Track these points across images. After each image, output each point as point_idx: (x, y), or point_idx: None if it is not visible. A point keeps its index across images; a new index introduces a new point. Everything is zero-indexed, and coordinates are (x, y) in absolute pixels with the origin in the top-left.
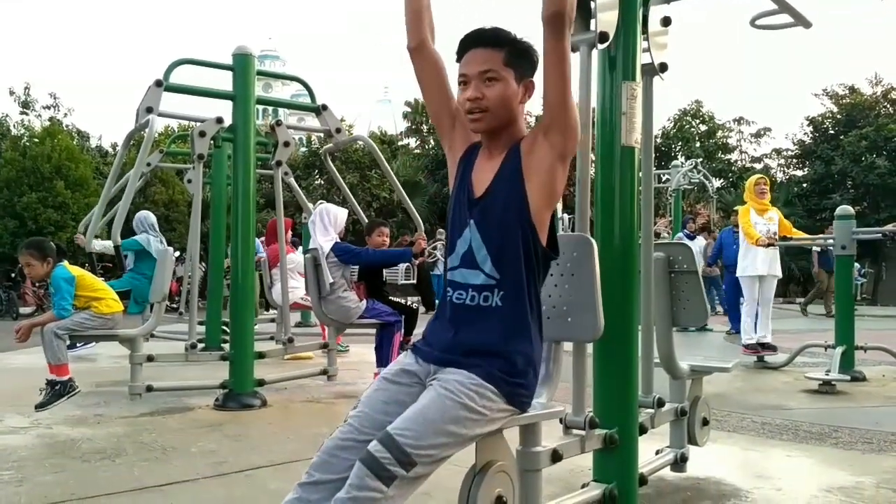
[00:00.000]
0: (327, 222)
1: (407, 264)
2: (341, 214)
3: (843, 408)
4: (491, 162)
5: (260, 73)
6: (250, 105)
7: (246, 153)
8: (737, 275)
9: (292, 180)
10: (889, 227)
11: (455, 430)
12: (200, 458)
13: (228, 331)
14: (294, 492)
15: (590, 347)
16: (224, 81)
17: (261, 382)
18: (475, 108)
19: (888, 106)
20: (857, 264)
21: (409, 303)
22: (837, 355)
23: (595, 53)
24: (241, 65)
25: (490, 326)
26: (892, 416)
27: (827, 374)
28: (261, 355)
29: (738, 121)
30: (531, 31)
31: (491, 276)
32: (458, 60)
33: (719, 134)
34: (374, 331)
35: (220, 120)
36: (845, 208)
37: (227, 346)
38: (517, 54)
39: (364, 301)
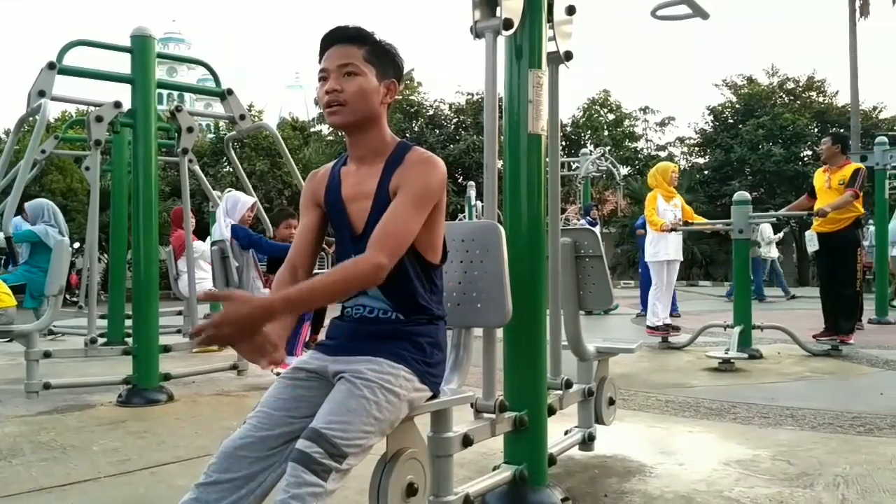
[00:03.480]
0: (224, 210)
1: (321, 254)
2: (242, 200)
3: (742, 384)
4: (361, 181)
5: (160, 55)
6: (150, 89)
7: (147, 139)
8: (647, 260)
9: (197, 168)
10: (782, 211)
11: (378, 415)
12: (102, 456)
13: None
14: (192, 492)
15: (500, 332)
16: (125, 65)
17: (167, 377)
18: (333, 100)
19: (784, 96)
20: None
21: None
22: (736, 335)
23: (501, 41)
24: (140, 47)
25: (392, 326)
26: (787, 391)
27: (726, 353)
28: (166, 349)
29: (644, 110)
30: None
31: (385, 302)
32: (321, 57)
33: (626, 123)
34: None
35: (118, 104)
36: (742, 194)
37: (130, 340)
38: (378, 52)
39: None
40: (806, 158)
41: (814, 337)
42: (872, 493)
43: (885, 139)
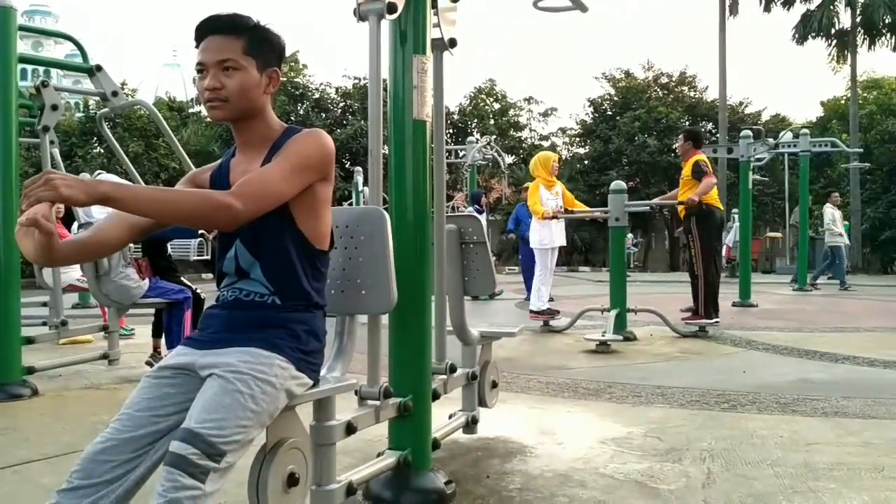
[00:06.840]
0: None
1: (200, 239)
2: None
3: (617, 365)
4: (248, 169)
5: (23, 28)
6: (11, 64)
7: (6, 117)
8: (534, 247)
9: (56, 151)
10: (656, 200)
11: (254, 408)
12: None
13: None
14: (53, 497)
15: (385, 318)
16: None
17: (30, 370)
18: (214, 97)
19: (658, 90)
20: (629, 234)
21: (196, 289)
22: (612, 318)
23: (386, 25)
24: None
25: (268, 312)
26: (658, 371)
27: (603, 336)
28: (29, 340)
29: (528, 100)
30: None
31: (267, 286)
32: (197, 46)
33: (511, 112)
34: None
35: None
36: (618, 183)
37: None
38: (258, 42)
39: (147, 280)
40: (678, 150)
41: (683, 320)
42: (735, 465)
43: (750, 132)
